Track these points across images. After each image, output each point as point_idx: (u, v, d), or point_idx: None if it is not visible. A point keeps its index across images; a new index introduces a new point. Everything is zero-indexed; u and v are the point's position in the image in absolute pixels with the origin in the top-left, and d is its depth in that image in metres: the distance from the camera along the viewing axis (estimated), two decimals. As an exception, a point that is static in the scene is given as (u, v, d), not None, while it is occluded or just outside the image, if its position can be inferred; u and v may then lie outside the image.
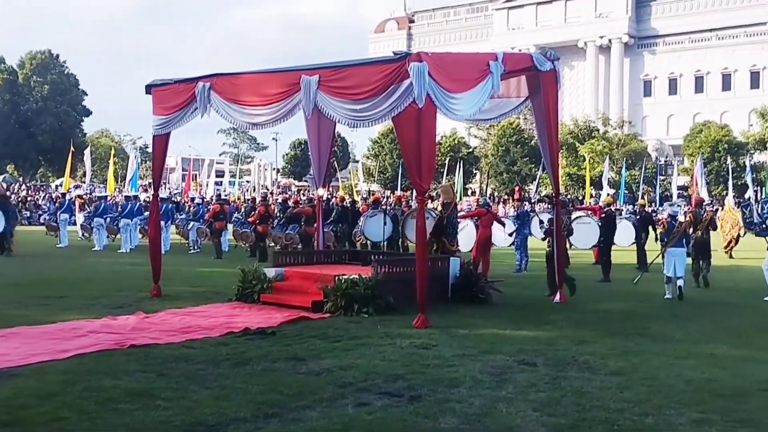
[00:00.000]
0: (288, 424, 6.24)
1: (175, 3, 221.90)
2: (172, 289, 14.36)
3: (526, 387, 7.46)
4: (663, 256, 15.07)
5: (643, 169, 60.36)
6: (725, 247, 26.20)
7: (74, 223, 29.80)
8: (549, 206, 17.65)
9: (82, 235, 28.76)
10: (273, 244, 23.90)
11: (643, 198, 40.03)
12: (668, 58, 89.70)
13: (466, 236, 19.54)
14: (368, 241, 21.90)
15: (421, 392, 7.20)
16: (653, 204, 49.41)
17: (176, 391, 7.16)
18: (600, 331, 10.74)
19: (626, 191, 54.25)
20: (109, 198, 33.51)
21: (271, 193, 52.95)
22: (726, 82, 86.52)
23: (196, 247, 26.29)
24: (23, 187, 61.41)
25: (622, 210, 34.51)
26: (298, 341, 9.67)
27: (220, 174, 72.15)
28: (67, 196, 32.32)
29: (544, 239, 16.84)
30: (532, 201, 39.39)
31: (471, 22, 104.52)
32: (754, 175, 50.60)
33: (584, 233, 19.31)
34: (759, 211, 24.91)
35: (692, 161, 58.95)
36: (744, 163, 55.64)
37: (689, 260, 16.25)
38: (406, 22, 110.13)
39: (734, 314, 12.93)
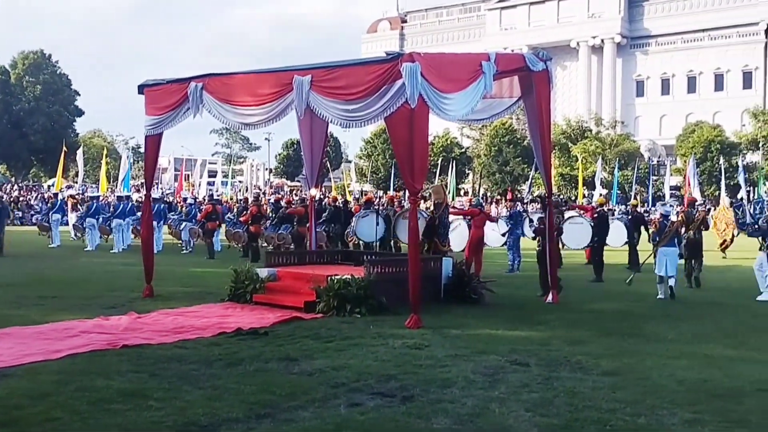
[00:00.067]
0: (280, 424, 6.23)
1: (168, 3, 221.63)
2: (164, 290, 14.33)
3: (519, 387, 7.46)
4: (655, 256, 15.11)
5: (636, 169, 60.57)
6: (720, 246, 26.29)
7: (66, 224, 29.75)
8: (541, 207, 17.66)
9: (75, 235, 28.70)
10: (265, 244, 23.88)
11: (635, 198, 40.20)
12: (661, 59, 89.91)
13: (459, 236, 19.55)
14: (360, 242, 21.89)
15: (413, 392, 7.20)
16: (646, 204, 49.55)
17: (168, 391, 7.14)
18: (593, 332, 10.75)
19: (619, 191, 54.38)
20: (101, 198, 33.46)
21: (264, 194, 52.92)
22: (718, 83, 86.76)
23: (188, 248, 26.26)
24: (15, 187, 61.22)
25: (615, 210, 34.57)
26: (291, 341, 9.66)
27: (212, 174, 72.08)
28: (59, 196, 32.27)
29: (534, 238, 16.89)
30: (525, 201, 39.42)
31: (463, 23, 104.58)
32: (747, 176, 50.80)
33: (577, 233, 19.35)
34: (751, 212, 24.99)
35: (685, 161, 59.20)
36: (736, 163, 55.87)
37: (681, 261, 16.29)
38: (399, 22, 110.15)
39: (727, 314, 12.95)
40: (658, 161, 70.35)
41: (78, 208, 30.38)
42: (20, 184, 65.93)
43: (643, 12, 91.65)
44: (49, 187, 58.12)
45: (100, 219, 27.00)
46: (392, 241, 21.12)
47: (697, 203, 24.13)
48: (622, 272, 18.74)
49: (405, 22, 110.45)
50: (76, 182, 52.62)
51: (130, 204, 27.74)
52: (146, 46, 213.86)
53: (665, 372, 8.20)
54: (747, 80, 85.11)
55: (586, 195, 49.88)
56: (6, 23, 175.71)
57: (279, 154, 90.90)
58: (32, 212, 44.51)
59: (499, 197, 61.37)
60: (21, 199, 50.88)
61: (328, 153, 54.78)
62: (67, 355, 8.70)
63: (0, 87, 75.16)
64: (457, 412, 6.58)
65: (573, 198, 52.33)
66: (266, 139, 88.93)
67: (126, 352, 8.95)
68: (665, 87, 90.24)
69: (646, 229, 22.06)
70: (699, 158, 59.24)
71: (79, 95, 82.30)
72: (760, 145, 64.86)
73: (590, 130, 72.91)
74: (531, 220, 20.74)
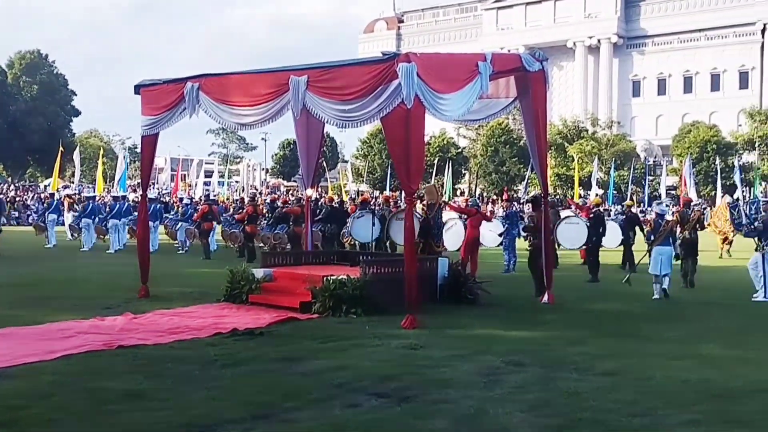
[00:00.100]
0: (278, 425, 6.23)
1: (166, 2, 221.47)
2: (160, 290, 14.30)
3: (516, 388, 7.45)
4: (650, 255, 15.12)
5: (632, 169, 60.59)
6: (723, 242, 26.35)
7: (62, 224, 29.68)
8: (532, 207, 17.67)
9: (71, 235, 28.65)
10: (262, 244, 23.86)
11: (631, 199, 40.22)
12: (657, 59, 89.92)
13: (455, 235, 19.54)
14: (356, 242, 21.87)
15: (410, 393, 7.19)
16: (642, 204, 49.58)
17: (166, 392, 7.14)
18: (590, 332, 10.75)
19: (615, 191, 54.42)
20: (97, 198, 33.41)
21: (260, 194, 52.88)
22: (715, 83, 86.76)
23: (184, 248, 26.23)
24: (12, 187, 61.12)
25: (611, 210, 34.59)
26: (287, 342, 9.66)
27: (209, 174, 72.00)
28: (56, 197, 32.20)
29: (525, 238, 16.94)
30: (521, 201, 39.47)
31: (460, 23, 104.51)
32: (743, 176, 50.88)
33: (572, 233, 19.34)
34: (747, 212, 25.05)
35: (681, 161, 59.20)
36: (732, 163, 55.91)
37: (677, 261, 16.31)
38: (396, 22, 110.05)
39: (724, 314, 12.97)
40: (654, 161, 70.41)
41: (74, 208, 30.29)
42: (17, 184, 65.83)
43: (640, 12, 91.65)
44: (45, 187, 58.08)
45: (96, 219, 26.96)
46: (388, 242, 21.12)
47: (692, 203, 24.17)
48: (617, 272, 18.77)
49: (402, 22, 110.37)
50: (73, 182, 52.47)
51: (127, 204, 27.70)
52: (144, 45, 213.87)
53: (663, 372, 8.20)
54: (743, 80, 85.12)
55: (582, 195, 49.89)
56: (4, 23, 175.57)
57: (275, 154, 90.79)
58: (28, 212, 44.40)
59: (495, 197, 61.46)
60: (17, 199, 50.79)
61: (325, 153, 54.85)
62: (62, 355, 8.68)
63: (-3, 87, 75.05)
64: (454, 413, 6.57)
65: (565, 196, 52.41)
66: (263, 139, 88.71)
67: (122, 353, 8.95)
68: (661, 87, 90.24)
69: (641, 230, 22.06)
70: (695, 158, 59.30)
71: (76, 95, 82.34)
72: (756, 145, 64.88)
73: (586, 130, 72.88)
74: (522, 219, 20.71)
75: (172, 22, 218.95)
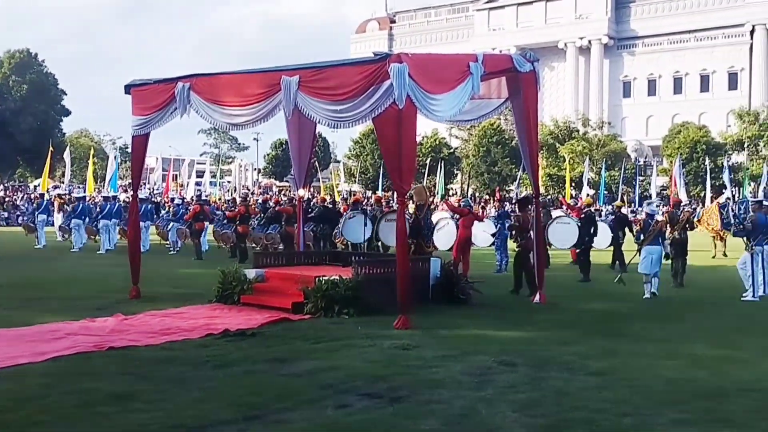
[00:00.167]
0: (269, 426, 6.23)
1: (157, 2, 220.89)
2: (151, 291, 14.26)
3: (507, 388, 7.47)
4: (639, 254, 15.18)
5: (623, 169, 60.77)
6: (717, 240, 26.33)
7: (52, 224, 29.59)
8: (518, 207, 17.71)
9: (61, 236, 28.56)
10: (254, 245, 23.83)
11: (622, 199, 40.33)
12: (647, 60, 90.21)
13: (446, 235, 19.56)
14: (348, 242, 21.85)
15: (402, 394, 7.20)
16: (632, 204, 49.73)
17: (156, 393, 7.12)
18: (580, 332, 10.78)
19: (606, 192, 54.57)
20: (88, 198, 33.30)
21: (252, 194, 52.81)
22: (704, 84, 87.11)
23: (175, 248, 26.17)
24: (1, 187, 60.85)
25: (602, 210, 34.68)
26: (279, 343, 9.65)
27: (200, 174, 71.86)
28: (45, 197, 32.10)
29: (511, 237, 17.00)
30: (513, 201, 39.50)
31: (452, 23, 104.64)
32: (732, 176, 51.08)
33: (564, 233, 19.39)
34: (736, 212, 25.18)
35: (671, 162, 59.43)
36: (722, 163, 56.16)
37: (667, 261, 16.37)
38: (388, 22, 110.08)
39: (713, 314, 13.03)
40: (644, 162, 70.66)
41: (64, 209, 30.21)
42: (6, 185, 65.53)
43: (630, 13, 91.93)
44: (35, 187, 57.85)
45: (86, 219, 26.87)
46: (379, 243, 21.11)
47: (682, 204, 24.24)
48: (608, 272, 18.83)
49: (394, 22, 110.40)
50: (63, 182, 52.28)
51: (117, 204, 27.61)
52: (135, 45, 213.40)
53: (652, 372, 8.23)
54: (732, 81, 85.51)
55: (574, 195, 50.00)
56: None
57: (267, 155, 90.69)
58: (18, 213, 44.26)
59: (487, 197, 61.51)
60: (7, 199, 50.60)
61: (317, 153, 54.75)
62: (52, 357, 8.64)
63: (-14, 87, 74.70)
64: (445, 413, 6.59)
65: (557, 196, 52.46)
66: (255, 139, 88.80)
67: (112, 354, 8.92)
68: (652, 88, 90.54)
69: (630, 230, 22.12)
70: (685, 159, 59.50)
71: (66, 95, 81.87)
72: (745, 145, 65.21)
73: (577, 131, 73.04)
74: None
75: (163, 21, 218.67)
